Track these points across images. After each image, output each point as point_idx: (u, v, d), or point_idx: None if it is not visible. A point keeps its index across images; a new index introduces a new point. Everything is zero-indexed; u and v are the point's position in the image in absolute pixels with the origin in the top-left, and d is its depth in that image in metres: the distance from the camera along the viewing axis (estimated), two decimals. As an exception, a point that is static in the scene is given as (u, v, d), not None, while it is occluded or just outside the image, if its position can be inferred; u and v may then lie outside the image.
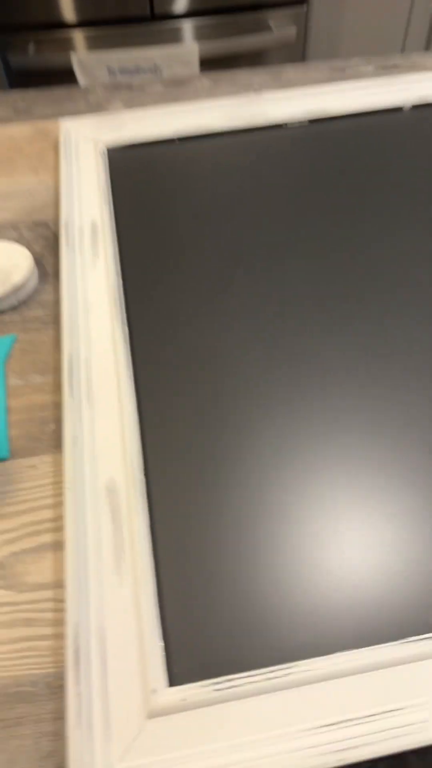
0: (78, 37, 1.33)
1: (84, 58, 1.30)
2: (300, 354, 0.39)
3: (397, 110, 0.58)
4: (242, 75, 0.66)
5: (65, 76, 1.34)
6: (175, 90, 0.65)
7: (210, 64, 1.37)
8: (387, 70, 0.66)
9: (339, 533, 0.31)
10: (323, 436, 0.34)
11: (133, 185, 0.51)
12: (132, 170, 0.53)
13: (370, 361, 0.38)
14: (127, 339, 0.39)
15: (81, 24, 1.31)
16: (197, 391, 0.37)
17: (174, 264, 0.45)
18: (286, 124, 0.57)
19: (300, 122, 0.57)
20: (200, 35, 1.35)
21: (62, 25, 1.31)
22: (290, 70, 0.67)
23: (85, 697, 0.26)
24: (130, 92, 0.64)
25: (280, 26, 1.38)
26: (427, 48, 1.59)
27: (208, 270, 0.44)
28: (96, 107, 0.62)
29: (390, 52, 1.62)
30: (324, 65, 0.67)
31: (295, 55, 1.44)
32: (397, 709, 0.25)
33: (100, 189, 0.49)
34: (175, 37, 1.35)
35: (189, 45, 1.31)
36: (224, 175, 0.52)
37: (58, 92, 0.64)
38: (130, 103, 0.63)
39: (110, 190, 0.50)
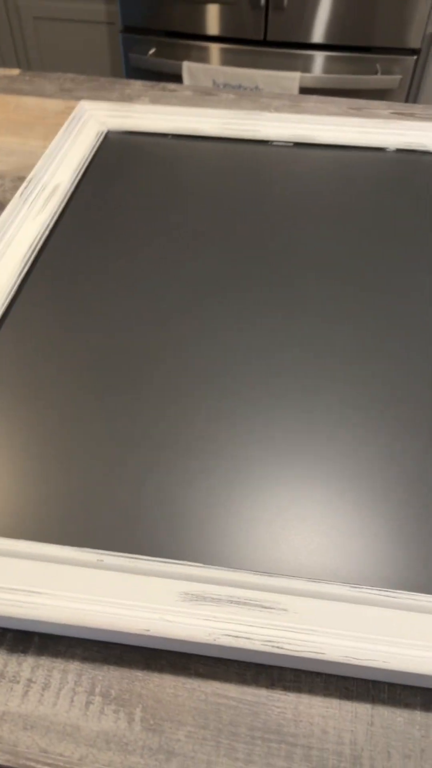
0: (194, 48, 1.44)
1: (193, 67, 1.41)
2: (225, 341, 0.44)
3: (379, 150, 0.61)
4: (265, 97, 0.72)
5: (175, 81, 1.45)
6: (200, 97, 0.71)
7: (308, 93, 1.43)
8: (402, 116, 0.69)
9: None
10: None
11: (115, 166, 0.58)
12: (121, 153, 0.60)
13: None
14: (15, 289, 0.46)
15: (198, 37, 1.43)
16: (73, 349, 0.43)
17: (106, 242, 0.51)
18: (272, 142, 0.62)
19: (285, 143, 0.61)
20: (306, 66, 1.42)
21: (182, 35, 1.43)
22: (311, 101, 0.72)
23: None
24: (162, 92, 0.72)
25: (386, 71, 1.42)
26: None
27: (134, 254, 0.50)
28: (126, 99, 0.70)
29: None
30: (344, 102, 0.72)
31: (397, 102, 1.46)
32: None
33: (82, 161, 0.57)
34: (282, 64, 1.42)
35: (292, 73, 1.38)
36: (198, 173, 0.58)
37: (102, 81, 0.73)
38: (156, 101, 0.70)
39: (90, 164, 0.58)
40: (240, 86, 1.41)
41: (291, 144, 0.62)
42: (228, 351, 0.42)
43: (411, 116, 0.69)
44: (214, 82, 1.43)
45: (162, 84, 0.74)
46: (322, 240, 0.51)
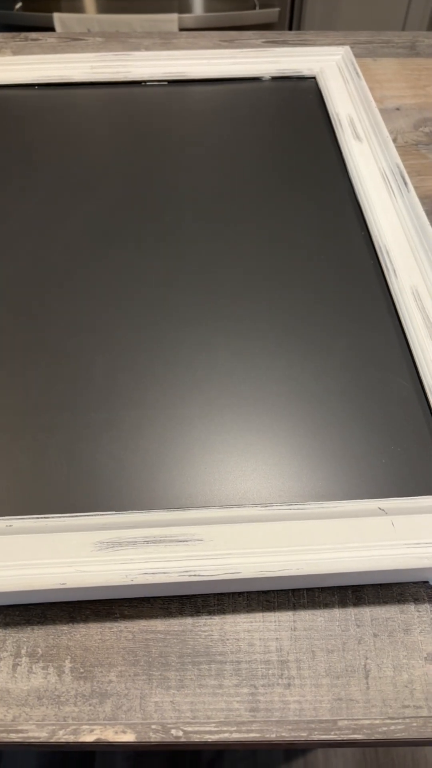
0: (63, -3, 1.36)
1: (65, 18, 1.33)
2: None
3: (255, 79, 0.60)
4: (134, 37, 0.69)
5: (49, 35, 1.37)
6: (66, 44, 0.68)
7: (190, 36, 1.38)
8: (275, 44, 0.68)
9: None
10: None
11: (-19, 124, 0.55)
12: (-14, 111, 0.56)
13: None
14: None
15: (66, -16, 1.34)
16: None
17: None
18: (145, 82, 0.59)
19: (159, 82, 0.59)
20: (183, 7, 1.37)
21: (48, -16, 1.34)
22: (182, 37, 0.69)
23: None
24: (24, 42, 0.68)
25: (264, 5, 1.39)
26: (429, 27, 1.56)
27: (11, 213, 0.48)
28: (-14, 53, 0.66)
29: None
30: (215, 35, 0.70)
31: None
32: None
33: None
34: (158, 6, 1.37)
35: (169, 15, 1.33)
36: (71, 122, 0.55)
37: (-42, 36, 0.68)
38: (19, 52, 0.66)
39: None
40: (117, 33, 1.34)
41: (165, 83, 0.59)
42: (119, 301, 0.41)
43: (283, 43, 0.68)
44: (90, 32, 1.35)
45: (24, 34, 0.69)
46: (206, 175, 0.50)
